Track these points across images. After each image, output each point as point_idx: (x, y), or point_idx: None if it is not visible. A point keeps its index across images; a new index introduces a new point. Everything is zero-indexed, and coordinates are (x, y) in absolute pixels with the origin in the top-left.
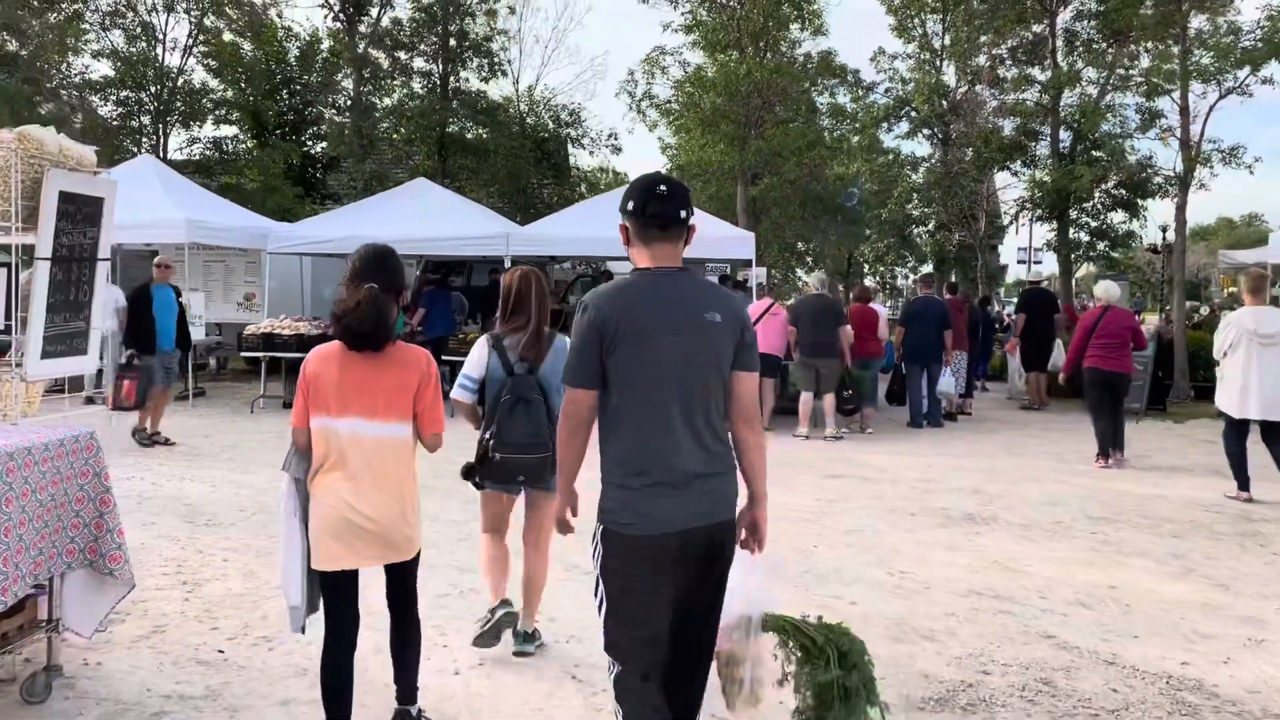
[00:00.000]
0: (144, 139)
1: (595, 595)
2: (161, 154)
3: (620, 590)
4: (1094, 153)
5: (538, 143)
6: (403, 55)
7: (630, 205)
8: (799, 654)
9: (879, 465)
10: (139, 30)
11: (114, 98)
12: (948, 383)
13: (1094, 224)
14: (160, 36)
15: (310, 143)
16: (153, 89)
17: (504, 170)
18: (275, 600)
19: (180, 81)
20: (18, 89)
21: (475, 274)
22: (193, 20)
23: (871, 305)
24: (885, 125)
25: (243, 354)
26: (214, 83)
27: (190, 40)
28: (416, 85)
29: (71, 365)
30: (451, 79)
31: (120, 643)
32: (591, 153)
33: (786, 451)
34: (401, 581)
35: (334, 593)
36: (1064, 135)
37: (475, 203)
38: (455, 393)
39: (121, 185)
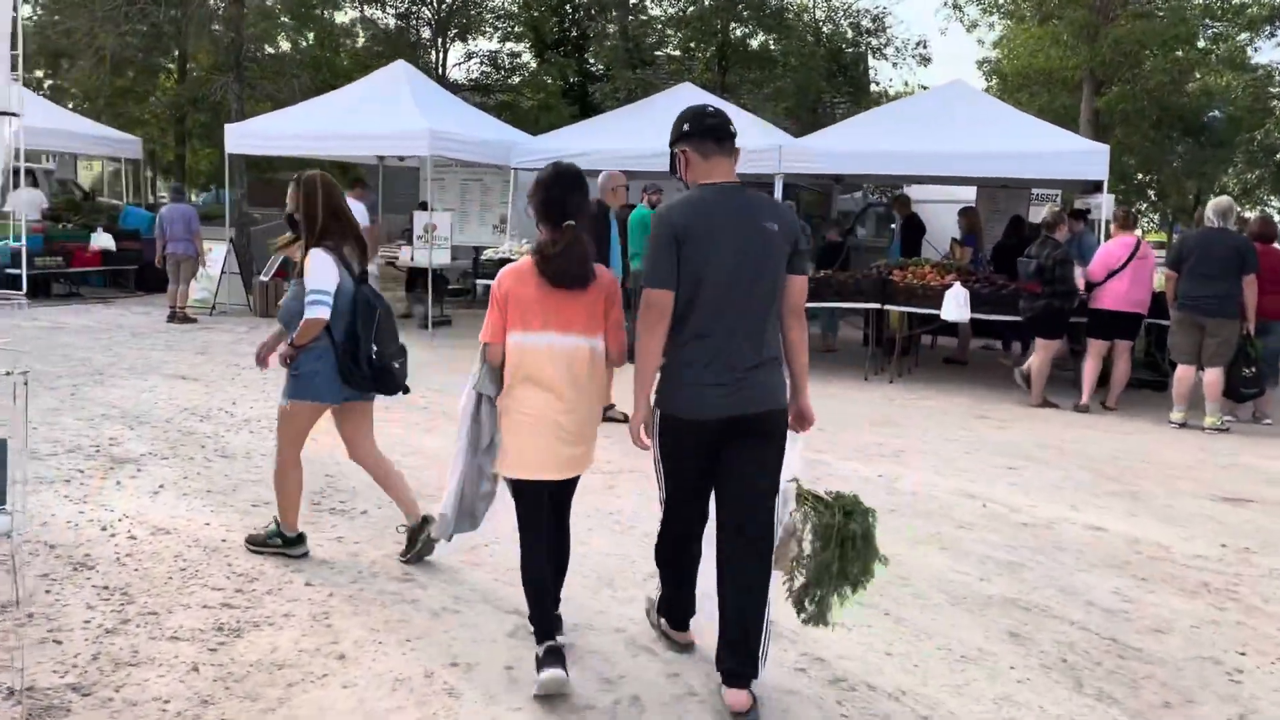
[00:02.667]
0: (422, 53)
1: (655, 467)
2: (440, 70)
3: (672, 462)
4: None
5: (833, 54)
6: None
7: (686, 128)
8: (812, 513)
9: None
10: None
11: (394, 10)
12: None
13: None
14: None
15: (591, 61)
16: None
17: (792, 83)
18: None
19: None
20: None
21: None
22: None
23: (1277, 245)
24: (1267, 30)
25: (477, 280)
26: None
27: None
28: None
29: None
30: None
31: None
32: (895, 64)
33: (1147, 446)
34: (562, 499)
35: (531, 501)
36: None
37: (747, 112)
38: (317, 310)
39: (372, 94)
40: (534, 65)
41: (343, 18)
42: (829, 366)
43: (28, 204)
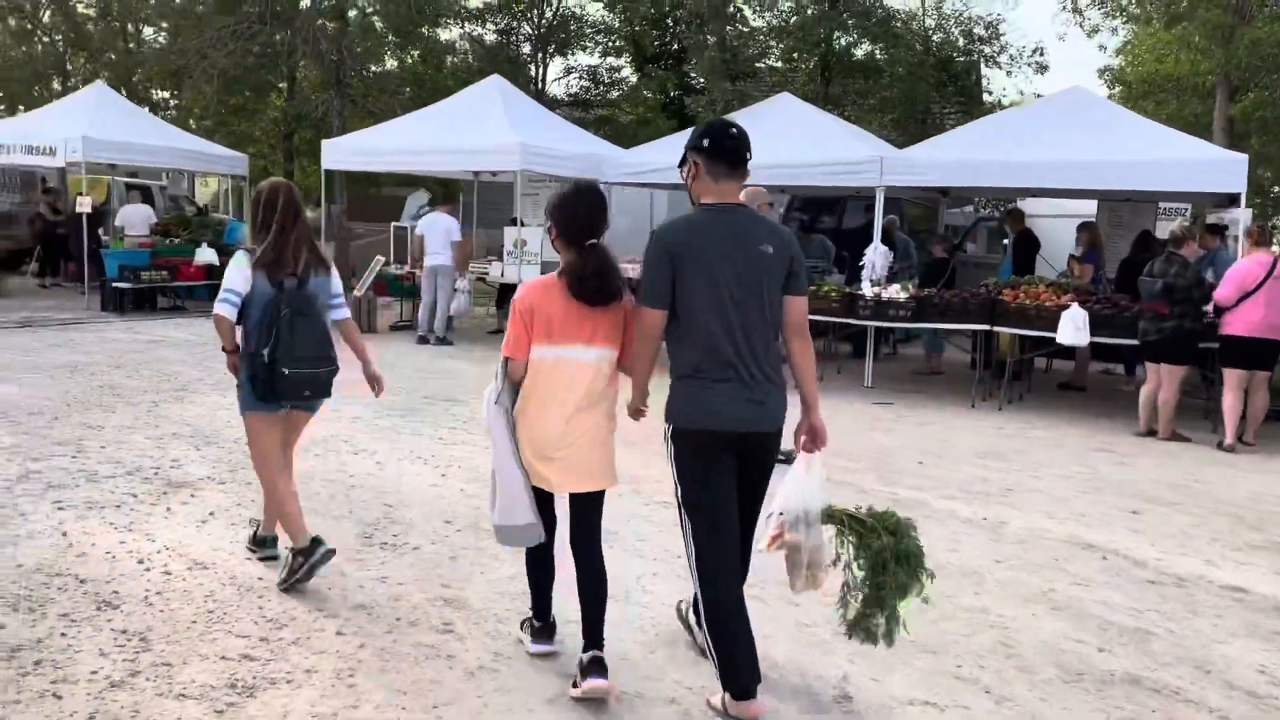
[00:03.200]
0: (521, 69)
1: (673, 476)
2: (539, 85)
3: (689, 473)
4: None
5: (942, 63)
6: None
7: (705, 143)
8: (853, 537)
9: None
10: None
11: (495, 26)
12: None
13: None
14: None
15: (692, 75)
16: (533, 15)
17: (899, 94)
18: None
19: (559, 6)
20: (409, 15)
21: (849, 213)
22: None
23: None
24: None
25: None
26: (594, 9)
27: None
28: None
29: None
30: None
31: None
32: (1009, 73)
33: None
34: (591, 515)
35: (544, 504)
36: None
37: (845, 122)
38: (219, 308)
39: (466, 109)
40: (633, 79)
41: (445, 34)
42: (932, 391)
43: (138, 220)
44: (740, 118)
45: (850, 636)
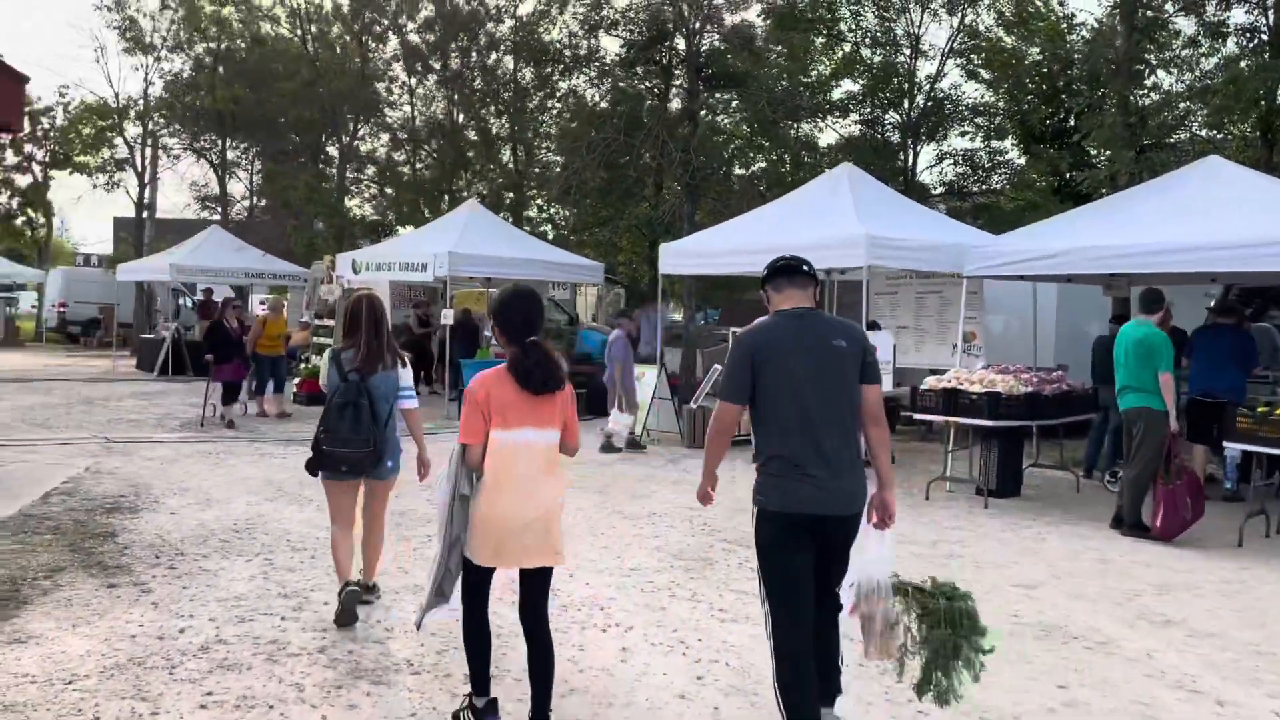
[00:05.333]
0: (888, 157)
1: (756, 553)
2: (909, 175)
3: (770, 552)
4: None
5: None
6: (1213, 9)
7: (764, 273)
8: (919, 608)
9: None
10: (889, 39)
11: (859, 116)
12: None
13: None
14: (916, 41)
15: (1093, 150)
16: (904, 103)
17: None
18: None
19: (932, 88)
20: (765, 111)
21: None
22: (956, 20)
23: None
24: None
25: (915, 415)
26: (972, 89)
27: (951, 43)
28: (1231, 45)
29: None
30: None
31: None
32: None
33: None
34: (541, 589)
35: (483, 575)
36: None
37: None
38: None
39: (811, 202)
40: (1020, 161)
41: (806, 129)
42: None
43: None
44: (1149, 191)
45: (920, 697)
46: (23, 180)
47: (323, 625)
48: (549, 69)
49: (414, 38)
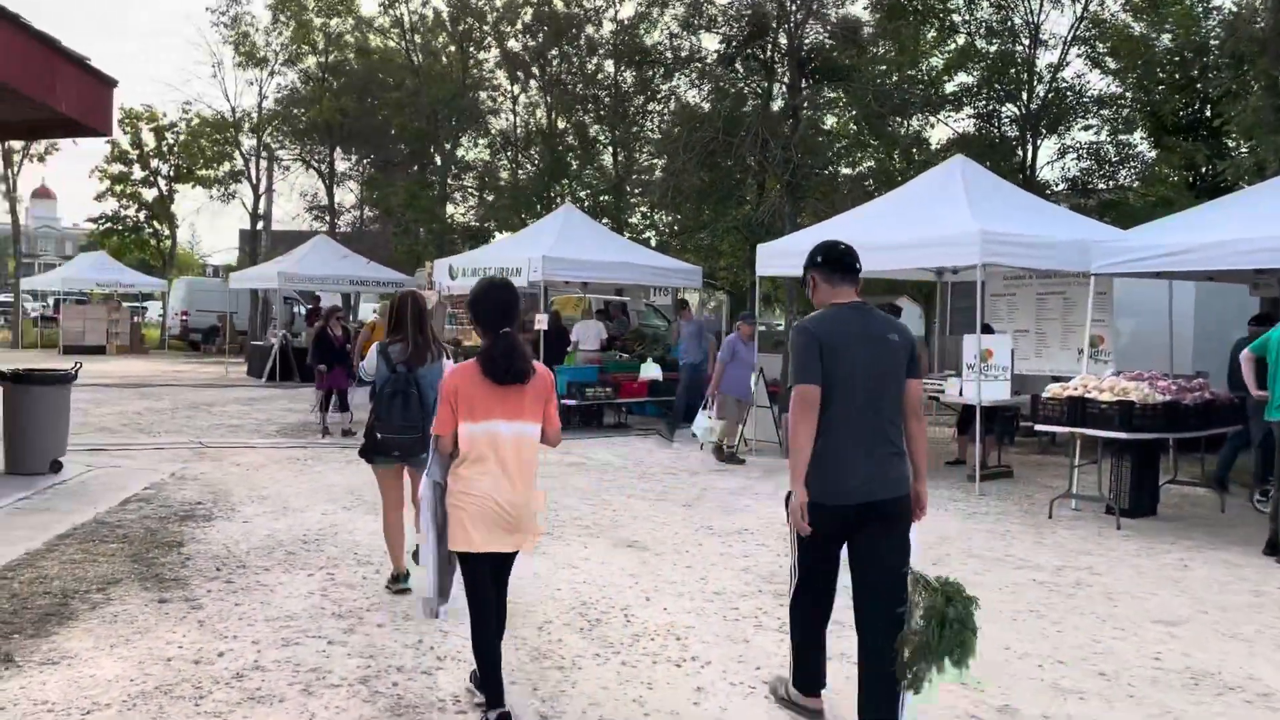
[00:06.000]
0: (1005, 153)
1: (791, 536)
2: (1029, 171)
3: (810, 540)
4: None
5: None
6: None
7: (819, 259)
8: (923, 595)
9: None
10: (1006, 28)
11: (974, 110)
12: None
13: None
14: (1035, 30)
15: (1232, 138)
16: (1022, 95)
17: None
18: None
19: (1053, 79)
20: (872, 106)
21: None
22: (1079, 7)
23: None
24: None
25: (1036, 425)
26: (1098, 78)
27: (1074, 31)
28: None
29: None
30: None
31: None
32: None
33: None
34: (504, 569)
35: (477, 574)
36: None
37: None
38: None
39: (919, 198)
40: (1150, 154)
41: (915, 125)
42: None
43: (590, 335)
44: None
45: (899, 679)
46: (149, 194)
47: (370, 650)
48: (650, 72)
49: (514, 44)
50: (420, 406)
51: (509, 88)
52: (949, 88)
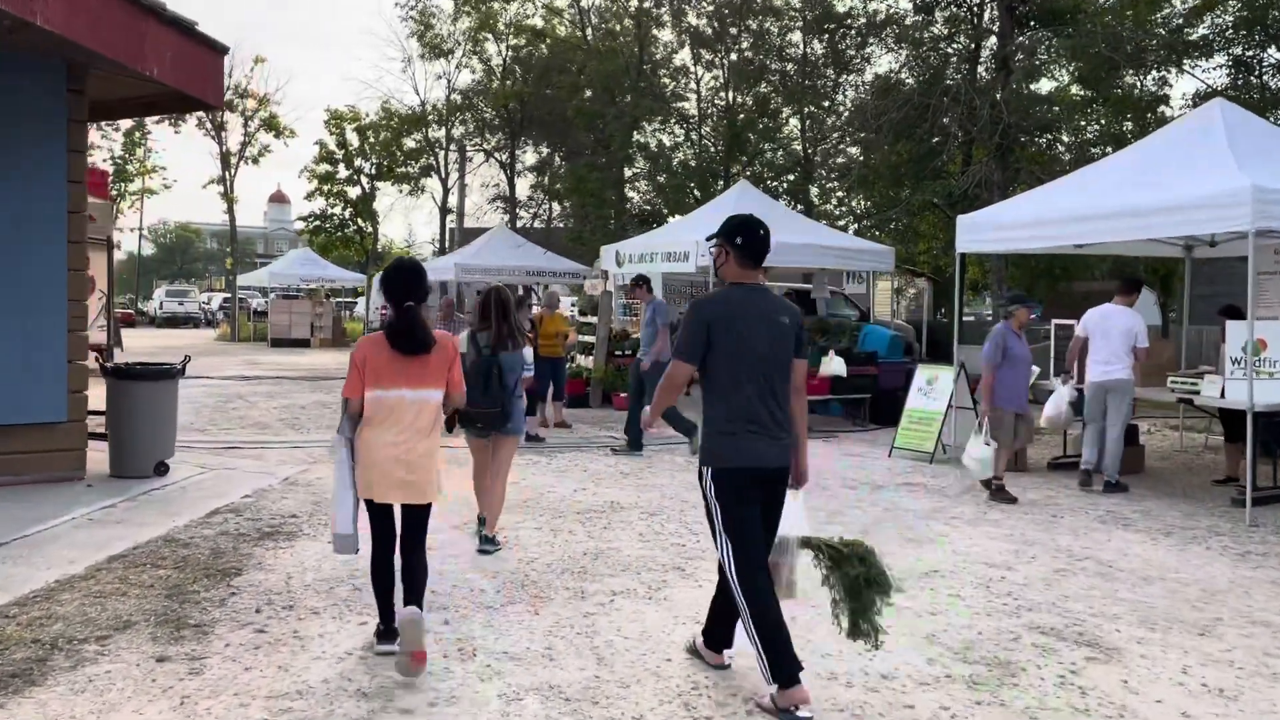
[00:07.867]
0: (1266, 111)
1: (709, 508)
2: None
3: (727, 504)
4: None
5: None
6: None
7: (739, 239)
8: (829, 562)
9: None
10: None
11: (1226, 56)
12: None
13: None
14: None
15: None
16: None
17: None
18: None
19: None
20: (1101, 55)
21: None
22: None
23: None
24: None
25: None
26: None
27: None
28: None
29: None
30: None
31: None
32: None
33: None
34: (417, 525)
35: (380, 518)
36: None
37: None
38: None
39: (1159, 155)
40: None
41: (1151, 82)
42: None
43: None
44: None
45: (854, 640)
46: (354, 192)
47: None
48: (841, 42)
49: (694, 19)
50: (501, 387)
51: (691, 67)
52: (1198, 34)
